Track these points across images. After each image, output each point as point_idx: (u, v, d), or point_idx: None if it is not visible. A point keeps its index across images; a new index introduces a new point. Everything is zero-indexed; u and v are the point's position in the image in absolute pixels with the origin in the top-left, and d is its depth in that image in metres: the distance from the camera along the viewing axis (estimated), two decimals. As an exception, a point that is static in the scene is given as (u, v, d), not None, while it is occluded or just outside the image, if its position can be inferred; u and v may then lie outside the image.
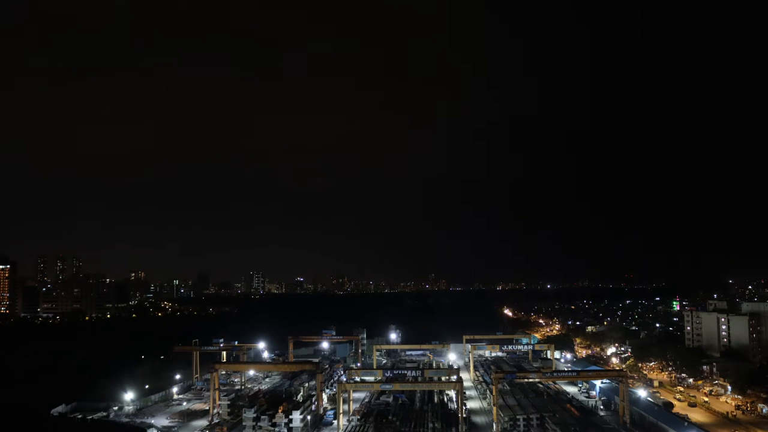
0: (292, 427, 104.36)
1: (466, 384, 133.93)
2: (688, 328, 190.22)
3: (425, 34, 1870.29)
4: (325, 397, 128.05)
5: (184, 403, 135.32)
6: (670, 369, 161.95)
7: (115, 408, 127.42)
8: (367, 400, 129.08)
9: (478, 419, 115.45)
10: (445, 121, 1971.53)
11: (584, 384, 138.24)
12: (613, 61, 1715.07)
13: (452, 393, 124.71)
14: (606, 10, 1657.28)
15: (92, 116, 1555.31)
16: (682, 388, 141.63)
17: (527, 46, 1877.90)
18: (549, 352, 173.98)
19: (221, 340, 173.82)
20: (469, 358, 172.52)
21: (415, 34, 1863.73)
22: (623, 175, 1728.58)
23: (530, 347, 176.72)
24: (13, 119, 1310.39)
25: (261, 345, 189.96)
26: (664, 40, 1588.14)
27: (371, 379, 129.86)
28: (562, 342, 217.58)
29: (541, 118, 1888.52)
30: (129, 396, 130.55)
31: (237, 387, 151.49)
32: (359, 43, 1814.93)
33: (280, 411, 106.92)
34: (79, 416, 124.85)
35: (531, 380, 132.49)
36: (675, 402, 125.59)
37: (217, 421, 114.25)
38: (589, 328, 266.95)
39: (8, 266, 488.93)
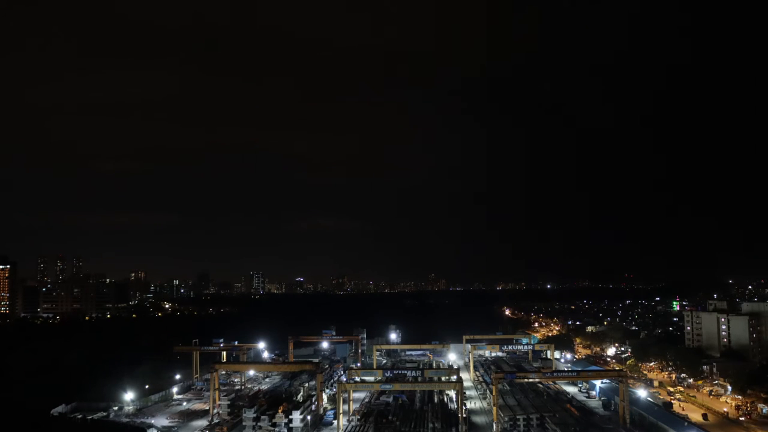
0: (292, 427, 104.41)
1: (466, 384, 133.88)
2: (688, 328, 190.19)
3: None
4: (325, 397, 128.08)
5: (184, 403, 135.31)
6: (670, 369, 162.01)
7: (115, 408, 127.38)
8: (367, 400, 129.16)
9: (478, 419, 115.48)
10: (445, 119, 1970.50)
11: (584, 384, 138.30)
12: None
13: (452, 393, 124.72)
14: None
15: (91, 113, 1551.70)
16: (682, 388, 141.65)
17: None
18: (549, 352, 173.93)
19: (221, 340, 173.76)
20: (469, 358, 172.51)
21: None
22: (623, 175, 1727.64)
23: (530, 347, 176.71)
24: (13, 117, 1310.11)
25: (261, 345, 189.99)
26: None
27: (371, 379, 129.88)
28: (562, 342, 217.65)
29: (545, 117, 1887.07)
30: (129, 396, 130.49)
31: (237, 387, 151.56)
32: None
33: (280, 411, 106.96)
34: (79, 416, 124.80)
35: (531, 380, 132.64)
36: (675, 402, 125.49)
37: (217, 421, 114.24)
38: (589, 328, 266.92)
39: (8, 266, 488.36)
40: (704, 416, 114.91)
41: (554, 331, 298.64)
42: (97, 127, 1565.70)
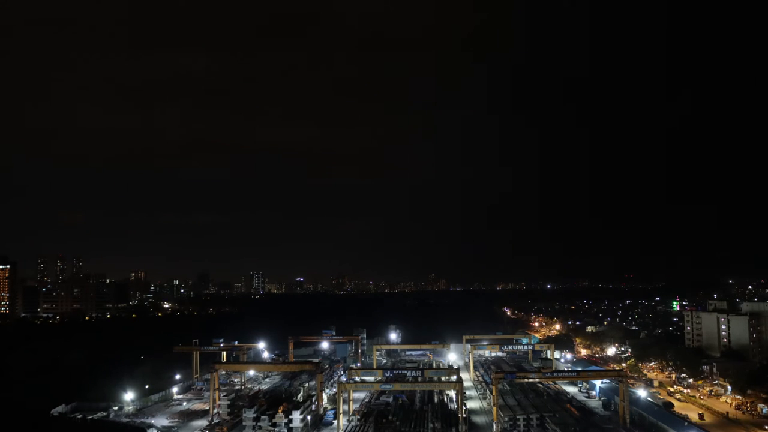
0: (292, 427, 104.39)
1: (466, 384, 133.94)
2: (688, 328, 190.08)
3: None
4: (325, 397, 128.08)
5: (184, 403, 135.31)
6: (670, 369, 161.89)
7: (115, 408, 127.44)
8: (367, 400, 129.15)
9: (478, 419, 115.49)
10: (445, 119, 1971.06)
11: (584, 384, 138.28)
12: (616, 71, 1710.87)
13: (452, 393, 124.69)
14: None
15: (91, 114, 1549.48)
16: (682, 388, 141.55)
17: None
18: (549, 352, 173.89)
19: (221, 340, 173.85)
20: (469, 358, 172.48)
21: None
22: (623, 175, 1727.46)
23: (530, 347, 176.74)
24: (13, 118, 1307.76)
25: (261, 345, 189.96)
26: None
27: (371, 379, 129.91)
28: (562, 342, 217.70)
29: (545, 117, 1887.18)
30: (129, 396, 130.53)
31: (237, 387, 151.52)
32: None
33: (280, 411, 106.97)
34: (79, 416, 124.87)
35: (531, 380, 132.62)
36: (675, 402, 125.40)
37: (217, 421, 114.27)
38: (589, 328, 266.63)
39: (8, 266, 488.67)
40: (700, 416, 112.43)
41: (554, 331, 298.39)
42: (96, 126, 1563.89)
